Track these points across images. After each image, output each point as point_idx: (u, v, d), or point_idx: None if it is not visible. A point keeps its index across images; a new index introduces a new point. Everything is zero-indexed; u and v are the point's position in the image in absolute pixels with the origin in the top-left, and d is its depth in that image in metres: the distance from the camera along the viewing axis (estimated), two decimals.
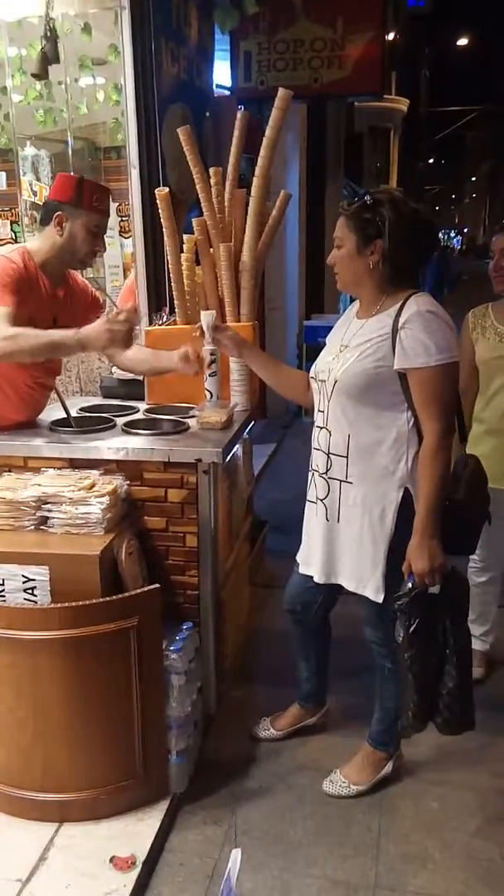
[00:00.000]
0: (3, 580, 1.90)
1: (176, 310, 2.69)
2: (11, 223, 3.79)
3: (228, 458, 2.26)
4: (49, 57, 2.70)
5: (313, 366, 2.00)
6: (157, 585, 1.90)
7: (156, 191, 2.54)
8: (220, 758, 2.26)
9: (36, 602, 1.89)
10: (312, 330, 6.45)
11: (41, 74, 2.75)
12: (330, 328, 2.06)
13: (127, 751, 1.93)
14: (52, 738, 1.87)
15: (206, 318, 2.14)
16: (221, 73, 4.71)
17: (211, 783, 2.16)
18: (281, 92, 2.43)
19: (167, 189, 2.54)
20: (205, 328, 2.13)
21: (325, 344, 2.01)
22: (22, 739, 1.88)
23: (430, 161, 23.43)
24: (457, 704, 1.82)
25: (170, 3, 3.00)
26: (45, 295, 2.25)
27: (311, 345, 6.37)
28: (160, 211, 2.52)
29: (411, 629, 1.75)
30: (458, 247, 20.19)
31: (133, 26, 2.78)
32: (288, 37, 4.97)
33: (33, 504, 2.00)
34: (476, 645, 2.67)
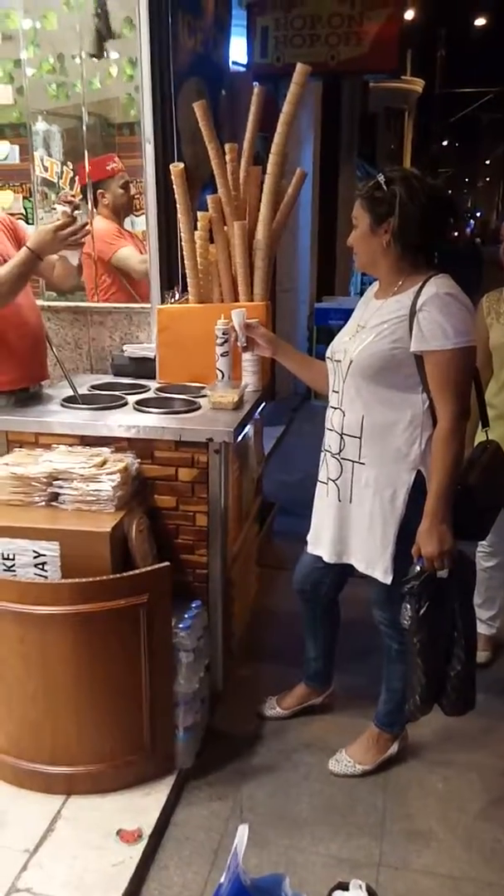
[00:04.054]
0: (14, 555, 1.90)
1: (189, 288, 2.67)
2: (24, 198, 3.76)
3: (240, 438, 2.25)
4: (103, 34, 2.67)
5: (330, 346, 1.99)
6: (168, 563, 1.91)
7: (170, 166, 2.51)
8: (226, 735, 2.28)
9: (46, 577, 1.90)
10: (323, 312, 6.40)
11: (98, 54, 2.72)
12: (341, 310, 2.06)
13: (135, 726, 1.95)
14: (61, 712, 1.89)
15: (238, 316, 2.13)
16: (238, 49, 4.64)
17: (217, 760, 2.18)
18: (299, 67, 2.39)
19: (182, 164, 2.51)
20: (236, 326, 2.12)
21: (335, 326, 1.99)
22: (31, 713, 1.90)
23: (445, 143, 23.11)
24: (463, 686, 1.83)
25: None
26: None
27: (322, 327, 6.33)
28: (175, 187, 2.49)
29: (420, 612, 1.75)
30: (471, 231, 19.97)
31: None
32: (305, 12, 4.89)
33: (44, 480, 2.01)
34: (482, 629, 2.67)
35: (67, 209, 2.23)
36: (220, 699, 2.37)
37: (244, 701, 2.41)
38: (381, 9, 4.88)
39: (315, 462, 2.05)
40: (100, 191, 3.27)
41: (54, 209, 3.00)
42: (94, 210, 3.30)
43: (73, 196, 2.31)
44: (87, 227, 2.26)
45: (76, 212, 2.28)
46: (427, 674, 1.80)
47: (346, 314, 2.07)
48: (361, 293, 2.02)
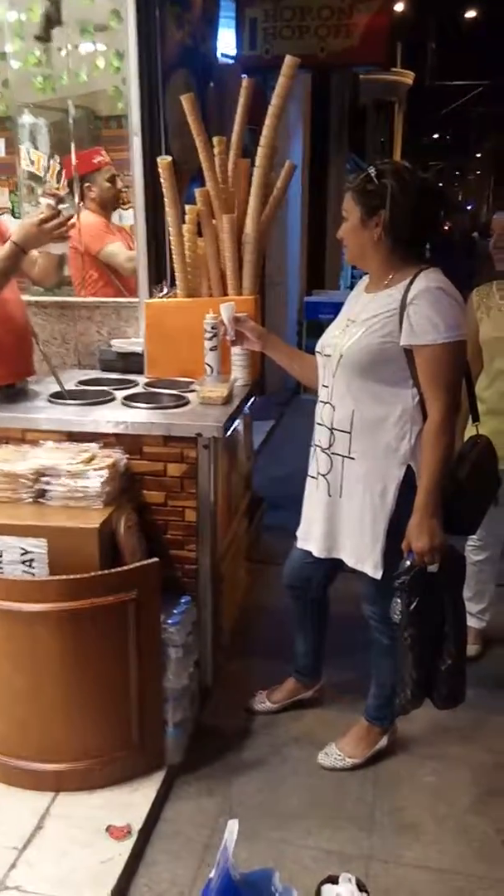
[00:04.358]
0: (1, 552, 1.89)
1: (177, 282, 2.66)
2: (10, 192, 3.72)
3: (229, 433, 2.24)
4: (52, 19, 2.63)
5: (320, 340, 1.98)
6: (157, 559, 1.90)
7: (158, 159, 2.49)
8: (216, 730, 2.28)
9: (34, 574, 1.89)
10: (313, 306, 6.39)
11: (44, 37, 2.68)
12: (330, 304, 2.05)
13: (123, 722, 1.94)
14: (49, 708, 1.88)
15: (227, 310, 2.12)
16: (226, 41, 4.61)
17: (206, 755, 2.18)
18: (288, 59, 2.37)
19: (169, 158, 2.49)
20: (225, 321, 2.11)
21: (325, 319, 1.99)
22: (19, 710, 1.89)
23: (435, 136, 23.06)
24: (453, 680, 1.84)
25: None
26: None
27: (312, 320, 6.31)
28: (162, 180, 2.47)
29: (411, 607, 1.75)
30: (466, 224, 20.00)
31: None
32: (294, 4, 4.84)
33: (31, 476, 1.99)
34: (472, 622, 2.68)
35: (52, 202, 2.21)
36: (209, 694, 2.37)
37: (234, 696, 2.41)
38: (371, 1, 4.86)
39: (305, 457, 2.05)
40: (87, 184, 3.25)
41: (40, 203, 2.98)
42: (82, 204, 3.28)
43: (58, 189, 2.29)
44: (73, 220, 2.23)
45: (61, 205, 2.26)
46: (418, 668, 1.81)
47: (336, 308, 2.06)
48: (352, 286, 2.01)
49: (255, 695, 2.38)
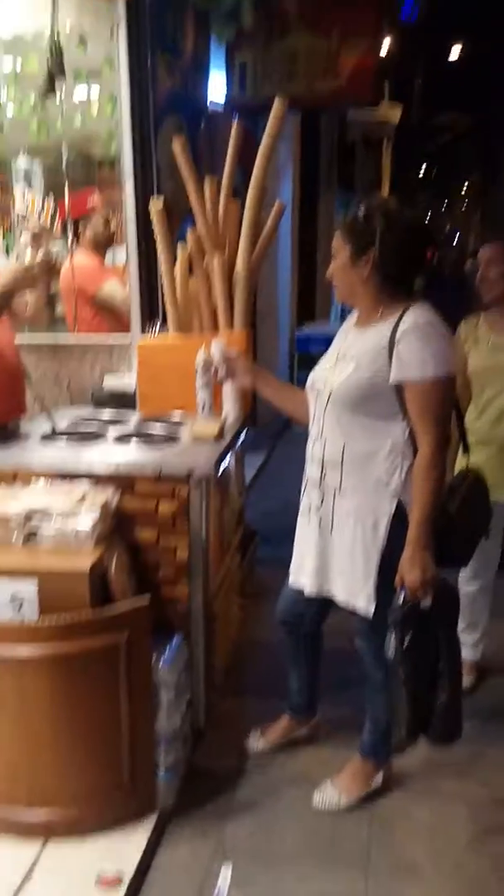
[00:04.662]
0: None
1: (168, 320, 2.70)
2: (4, 232, 3.78)
3: (221, 470, 2.26)
4: (55, 74, 2.72)
5: (310, 376, 2.00)
6: (147, 597, 1.90)
7: (150, 203, 2.54)
8: (209, 771, 2.25)
9: (24, 618, 1.88)
10: (304, 339, 6.47)
11: (49, 92, 2.76)
12: (321, 337, 2.08)
13: (115, 766, 1.92)
14: (39, 753, 1.86)
15: (217, 347, 2.15)
16: (217, 84, 4.72)
17: (200, 797, 2.15)
18: (277, 100, 2.44)
19: (161, 201, 2.54)
20: (216, 358, 2.14)
21: (316, 352, 2.01)
22: (8, 755, 1.87)
23: (423, 170, 23.53)
24: (448, 716, 1.82)
25: (166, 15, 3.02)
26: None
27: (303, 353, 6.38)
28: (154, 223, 2.53)
29: (405, 643, 1.75)
30: (458, 255, 20.34)
31: (129, 39, 2.80)
32: (283, 47, 4.98)
33: (22, 518, 1.99)
34: (466, 654, 2.67)
35: (37, 243, 2.26)
36: (202, 735, 2.35)
37: (227, 735, 2.39)
38: (358, 42, 4.99)
39: (298, 489, 2.05)
40: (81, 225, 3.31)
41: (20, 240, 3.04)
42: (76, 244, 3.34)
43: (39, 228, 2.35)
44: (52, 261, 2.27)
45: (37, 238, 2.31)
46: (412, 704, 1.80)
47: (327, 340, 2.08)
48: (342, 319, 2.05)
49: (249, 734, 2.36)
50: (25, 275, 2.17)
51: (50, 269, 2.20)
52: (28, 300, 2.50)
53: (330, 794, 2.12)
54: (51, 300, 2.65)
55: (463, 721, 1.90)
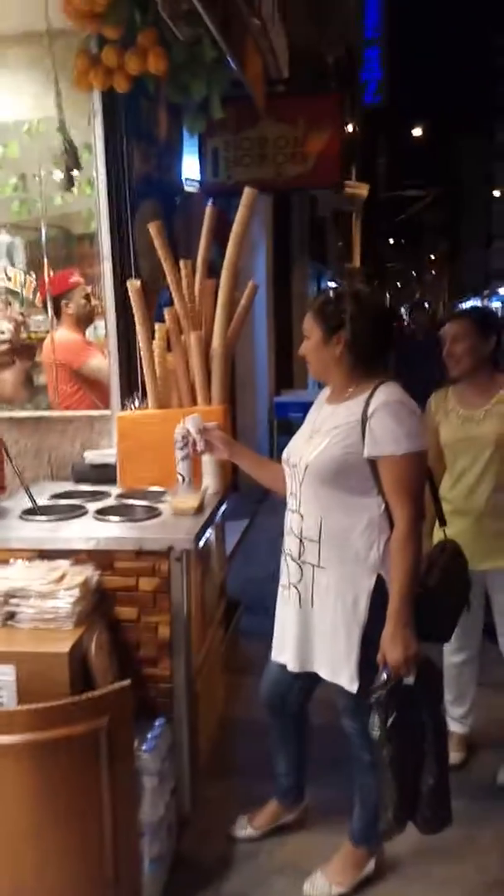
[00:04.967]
0: None
1: (148, 394, 2.73)
2: None
3: (201, 543, 2.25)
4: (70, 167, 2.86)
5: (285, 450, 2.03)
6: (128, 682, 1.85)
7: (128, 283, 2.61)
8: (196, 861, 2.16)
9: (2, 703, 1.82)
10: (282, 405, 6.57)
11: (68, 186, 2.88)
12: (299, 403, 2.13)
13: (98, 860, 1.83)
14: (20, 849, 1.77)
15: (193, 422, 2.18)
16: (191, 167, 4.94)
17: (186, 889, 2.05)
18: (246, 191, 2.56)
19: (139, 281, 2.62)
20: (193, 432, 2.16)
21: (294, 418, 2.05)
22: None
23: (391, 241, 24.56)
24: (436, 801, 1.78)
25: (140, 106, 3.18)
26: None
27: (282, 419, 6.47)
28: (132, 301, 2.59)
29: (388, 723, 1.72)
30: (412, 316, 21.09)
31: (105, 129, 2.93)
32: (253, 134, 5.27)
33: (0, 599, 1.96)
34: (455, 727, 2.63)
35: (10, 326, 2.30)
36: (188, 822, 2.26)
37: (213, 822, 2.30)
38: (324, 130, 5.29)
39: (280, 556, 2.04)
40: (64, 301, 3.39)
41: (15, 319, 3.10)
42: (57, 320, 3.41)
43: (18, 320, 2.41)
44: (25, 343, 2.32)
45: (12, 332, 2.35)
46: (399, 789, 1.75)
47: (305, 407, 2.12)
48: (320, 387, 2.10)
49: (236, 820, 2.28)
50: None
51: (13, 350, 2.23)
52: (8, 378, 2.52)
53: (321, 885, 2.04)
54: (29, 377, 2.67)
55: (452, 801, 1.85)
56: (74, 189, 3.57)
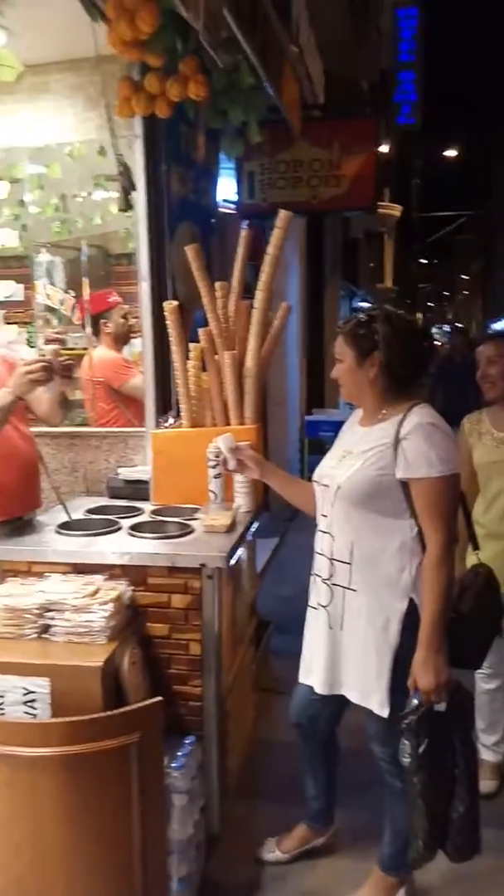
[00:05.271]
0: (4, 693, 1.86)
1: (181, 412, 2.77)
2: (26, 324, 3.95)
3: (233, 561, 2.26)
4: (127, 189, 2.93)
5: (316, 470, 2.03)
6: (160, 699, 1.86)
7: (164, 304, 2.66)
8: (223, 883, 2.15)
9: (35, 715, 1.85)
10: (313, 424, 6.57)
11: (125, 208, 2.95)
12: (330, 422, 2.13)
13: (126, 878, 1.83)
14: (48, 863, 1.78)
15: (225, 441, 2.20)
16: (226, 189, 5.02)
17: None
18: (282, 213, 2.59)
19: (176, 302, 2.66)
20: (224, 451, 2.18)
21: (325, 437, 2.06)
22: (16, 865, 1.78)
23: (424, 261, 24.52)
24: (467, 829, 1.74)
25: (179, 131, 3.25)
26: None
27: (313, 438, 6.47)
28: (168, 322, 2.63)
29: (420, 750, 1.70)
30: (450, 339, 21.04)
31: (145, 153, 2.99)
32: (288, 157, 5.34)
33: (36, 612, 1.99)
34: (487, 756, 2.58)
35: (54, 347, 2.34)
36: (216, 842, 2.24)
37: (242, 844, 2.28)
38: (358, 152, 5.34)
39: (310, 575, 2.04)
40: (103, 321, 3.47)
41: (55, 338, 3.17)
42: (96, 339, 3.49)
43: (61, 333, 2.46)
44: (64, 363, 2.35)
45: (58, 347, 2.38)
46: (430, 817, 1.72)
47: (336, 426, 2.13)
48: (351, 406, 2.10)
49: (264, 843, 2.26)
50: (22, 379, 2.24)
51: (50, 370, 2.27)
52: (44, 398, 2.55)
53: None
54: (65, 398, 2.71)
55: (482, 830, 1.81)
56: (113, 209, 3.66)
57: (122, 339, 3.47)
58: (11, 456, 2.43)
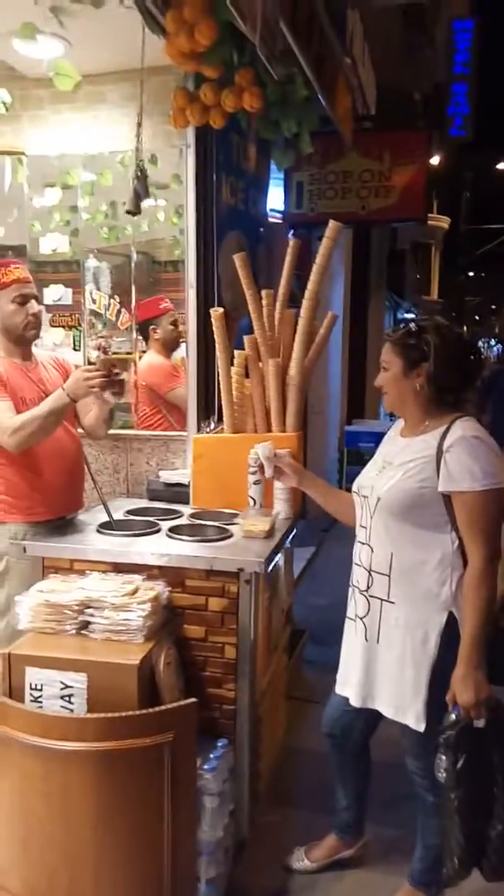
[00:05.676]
0: (42, 686, 1.90)
1: (224, 418, 2.79)
2: (72, 327, 4.04)
3: (270, 567, 2.27)
4: (140, 194, 2.96)
5: (356, 481, 2.03)
6: (194, 700, 1.88)
7: (211, 311, 2.69)
8: (250, 888, 2.14)
9: (72, 710, 1.88)
10: (353, 435, 6.54)
11: (134, 211, 2.99)
12: (370, 433, 2.12)
13: (155, 876, 1.85)
14: (79, 857, 1.81)
15: (264, 449, 2.22)
16: (274, 198, 5.06)
17: None
18: (332, 224, 2.60)
19: (222, 309, 2.69)
20: (262, 459, 2.20)
21: (365, 448, 2.05)
22: (49, 857, 1.82)
23: (471, 274, 24.21)
24: None
25: (230, 141, 3.30)
26: (25, 377, 2.45)
27: (352, 449, 6.44)
28: (214, 329, 2.67)
29: (458, 766, 1.67)
30: (498, 354, 20.69)
31: (196, 162, 3.05)
32: (338, 168, 5.35)
33: (76, 608, 2.03)
34: None
35: (98, 355, 2.37)
36: (244, 848, 2.24)
37: (271, 850, 2.28)
38: (410, 163, 5.32)
39: (347, 584, 2.04)
40: (152, 327, 3.52)
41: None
42: (146, 345, 3.54)
43: (107, 342, 2.47)
44: (118, 377, 2.35)
45: (107, 353, 2.40)
46: (466, 834, 1.70)
47: (376, 437, 2.12)
48: (392, 417, 2.09)
49: (293, 851, 2.25)
50: (80, 383, 2.28)
51: (108, 380, 2.28)
52: (93, 409, 2.58)
53: None
54: (111, 415, 2.72)
55: None
56: (161, 216, 3.72)
57: (170, 346, 3.50)
58: (59, 457, 2.49)
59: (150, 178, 3.50)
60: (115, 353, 3.66)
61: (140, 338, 3.57)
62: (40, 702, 1.90)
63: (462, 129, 9.98)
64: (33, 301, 2.46)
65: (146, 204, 3.81)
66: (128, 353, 3.61)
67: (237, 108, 2.76)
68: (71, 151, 3.41)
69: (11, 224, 3.67)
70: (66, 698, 1.89)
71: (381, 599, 1.88)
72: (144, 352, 3.54)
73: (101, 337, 2.97)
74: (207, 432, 2.86)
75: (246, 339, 2.69)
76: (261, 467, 2.24)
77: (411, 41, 7.39)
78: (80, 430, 2.68)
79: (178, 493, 2.82)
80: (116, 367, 2.36)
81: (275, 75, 2.74)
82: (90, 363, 2.37)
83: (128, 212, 3.00)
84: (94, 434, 2.66)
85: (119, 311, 4.09)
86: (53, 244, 3.98)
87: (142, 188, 2.91)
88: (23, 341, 2.48)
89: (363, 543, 1.95)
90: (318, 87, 3.12)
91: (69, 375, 2.61)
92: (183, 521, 2.56)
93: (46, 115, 3.37)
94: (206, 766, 1.92)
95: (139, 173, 2.91)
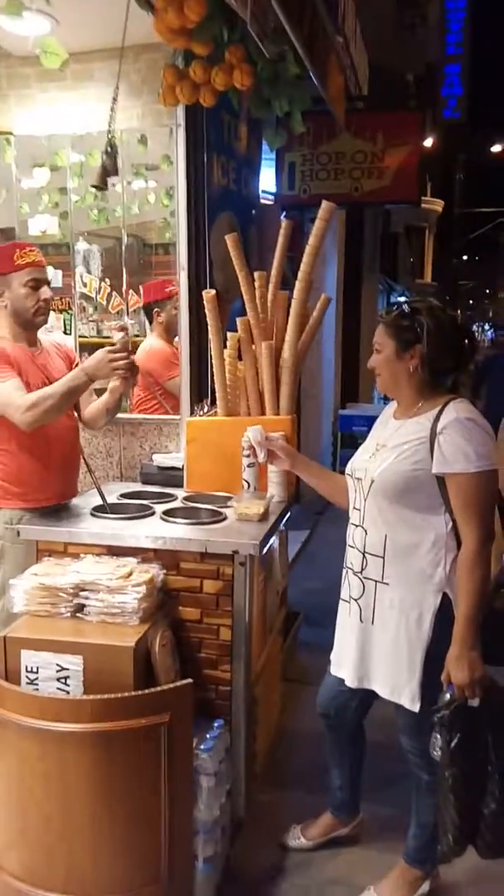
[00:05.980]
0: (38, 668, 1.90)
1: (217, 401, 2.78)
2: (62, 311, 4.01)
3: (265, 550, 2.27)
4: (108, 170, 2.89)
5: (349, 463, 2.02)
6: (190, 680, 1.88)
7: (203, 292, 2.67)
8: (247, 867, 2.17)
9: (68, 692, 1.89)
10: (347, 419, 6.54)
11: (101, 186, 2.94)
12: (364, 417, 2.11)
13: (152, 855, 1.86)
14: (76, 836, 1.82)
15: (255, 433, 2.20)
16: (267, 179, 5.01)
17: (236, 895, 2.05)
18: (324, 204, 2.57)
19: (214, 291, 2.67)
20: (254, 442, 2.19)
21: (359, 432, 2.04)
22: (46, 837, 1.83)
23: (465, 258, 24.16)
24: (498, 825, 1.73)
25: (221, 121, 3.25)
26: (31, 362, 2.42)
27: (346, 433, 6.45)
28: (206, 311, 2.65)
29: (452, 744, 1.68)
30: (492, 339, 20.73)
31: (187, 142, 3.01)
32: (330, 149, 5.30)
33: (71, 591, 2.02)
34: None
35: (122, 335, 2.30)
36: (241, 827, 2.27)
37: (267, 829, 2.30)
38: (403, 145, 5.28)
39: (341, 567, 2.04)
40: (156, 310, 3.49)
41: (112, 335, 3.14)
42: (150, 328, 3.52)
43: (125, 327, 2.42)
44: (133, 361, 2.32)
45: (124, 337, 2.33)
46: (460, 812, 1.71)
47: (370, 420, 2.11)
48: (385, 401, 2.08)
49: (289, 829, 2.27)
50: (104, 364, 2.25)
51: (134, 367, 2.26)
52: (94, 399, 2.55)
53: None
54: (114, 408, 2.68)
55: None
56: (151, 198, 3.68)
57: (173, 330, 3.47)
58: (57, 442, 2.45)
59: (139, 160, 3.46)
60: (106, 338, 3.64)
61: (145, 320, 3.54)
62: (36, 684, 1.91)
63: (456, 110, 9.92)
64: (45, 286, 2.42)
65: (135, 186, 3.78)
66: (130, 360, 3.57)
67: (228, 85, 2.72)
68: (59, 132, 3.35)
69: (0, 206, 3.62)
70: (63, 680, 1.89)
71: (375, 581, 1.89)
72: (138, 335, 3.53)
73: (98, 320, 2.93)
74: (201, 415, 2.85)
75: (239, 321, 2.67)
76: (253, 450, 2.23)
77: (404, 21, 7.31)
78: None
79: (171, 476, 2.82)
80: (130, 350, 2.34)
81: (266, 53, 2.70)
82: (110, 345, 2.30)
83: (93, 186, 2.96)
84: (92, 425, 2.63)
85: (110, 294, 4.07)
86: (42, 226, 3.94)
87: (110, 163, 2.86)
88: (31, 326, 2.45)
89: (357, 525, 1.95)
90: (309, 66, 3.08)
91: (72, 362, 2.59)
92: (177, 504, 2.55)
93: (34, 94, 3.32)
94: (202, 747, 1.93)
95: (108, 149, 2.86)
